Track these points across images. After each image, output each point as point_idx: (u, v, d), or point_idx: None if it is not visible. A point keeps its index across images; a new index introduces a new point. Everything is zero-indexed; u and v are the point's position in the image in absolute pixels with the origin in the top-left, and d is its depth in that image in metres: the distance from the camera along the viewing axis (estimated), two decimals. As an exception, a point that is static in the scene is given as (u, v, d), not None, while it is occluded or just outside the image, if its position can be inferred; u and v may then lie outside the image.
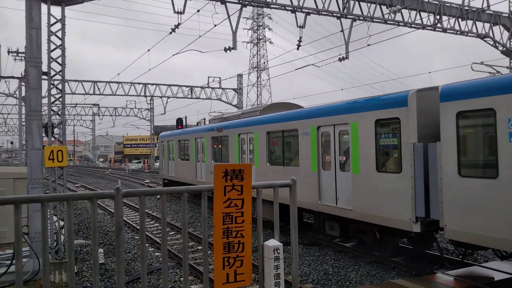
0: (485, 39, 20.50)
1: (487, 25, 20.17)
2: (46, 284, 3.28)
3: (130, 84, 36.07)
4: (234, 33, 16.09)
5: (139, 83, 36.43)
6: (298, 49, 17.45)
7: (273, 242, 3.70)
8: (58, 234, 9.77)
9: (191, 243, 12.67)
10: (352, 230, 10.67)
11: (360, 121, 9.76)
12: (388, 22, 18.10)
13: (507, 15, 20.27)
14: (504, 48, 20.63)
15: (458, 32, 19.72)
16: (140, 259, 3.19)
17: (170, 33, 16.73)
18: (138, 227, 12.69)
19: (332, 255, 10.90)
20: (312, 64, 20.13)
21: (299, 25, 16.91)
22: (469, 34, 20.00)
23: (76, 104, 50.03)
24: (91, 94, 34.92)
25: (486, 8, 19.73)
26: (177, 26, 16.28)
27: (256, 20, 59.64)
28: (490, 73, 9.13)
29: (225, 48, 16.65)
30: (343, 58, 18.45)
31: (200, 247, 12.31)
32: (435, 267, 9.37)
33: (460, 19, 19.59)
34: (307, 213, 14.30)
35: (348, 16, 17.37)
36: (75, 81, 34.16)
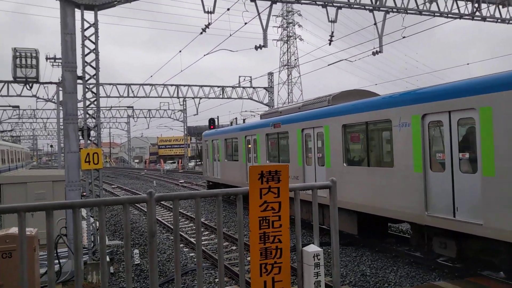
0: (529, 26, 19.45)
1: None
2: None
3: (163, 86, 36.49)
4: (265, 31, 15.90)
5: (171, 85, 36.81)
6: (330, 44, 17.09)
7: (313, 248, 3.48)
8: (95, 235, 9.90)
9: (225, 243, 12.59)
10: (474, 249, 8.35)
11: (496, 105, 7.34)
12: (423, 13, 17.45)
13: (552, 0, 19.14)
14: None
15: (499, 20, 18.76)
16: (174, 261, 3.11)
17: (201, 33, 16.74)
18: (172, 227, 12.62)
19: (369, 255, 10.56)
20: (345, 59, 19.70)
21: (330, 19, 16.56)
22: (511, 22, 19.00)
23: (111, 107, 51.36)
24: (125, 97, 35.59)
25: (530, -7, 18.71)
26: (207, 26, 16.27)
27: (285, 17, 59.25)
28: None
29: (255, 46, 16.47)
30: (377, 52, 17.94)
31: (234, 247, 12.21)
32: (478, 269, 8.82)
33: (501, 6, 18.64)
34: (394, 223, 12.18)
35: (381, 9, 16.86)
36: (109, 84, 34.88)
